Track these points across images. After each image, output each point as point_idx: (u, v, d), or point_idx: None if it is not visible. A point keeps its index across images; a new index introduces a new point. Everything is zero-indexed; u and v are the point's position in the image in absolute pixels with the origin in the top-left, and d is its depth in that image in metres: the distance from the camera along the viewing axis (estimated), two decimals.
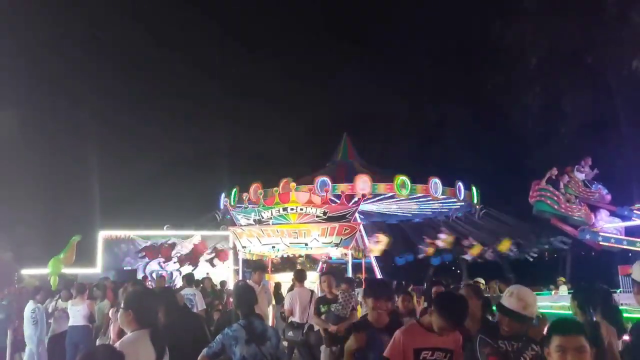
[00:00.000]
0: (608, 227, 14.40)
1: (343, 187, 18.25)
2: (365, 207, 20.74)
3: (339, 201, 15.02)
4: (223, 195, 21.00)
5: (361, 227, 16.68)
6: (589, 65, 21.37)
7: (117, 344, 3.24)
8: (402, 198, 19.67)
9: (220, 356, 4.30)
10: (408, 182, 18.89)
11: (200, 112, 41.72)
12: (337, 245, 13.79)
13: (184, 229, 21.34)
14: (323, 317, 7.10)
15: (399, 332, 3.33)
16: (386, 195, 19.81)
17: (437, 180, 19.52)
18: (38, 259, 17.67)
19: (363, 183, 18.38)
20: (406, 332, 3.31)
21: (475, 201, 21.68)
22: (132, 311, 3.38)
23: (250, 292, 4.73)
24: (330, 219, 13.64)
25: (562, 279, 18.49)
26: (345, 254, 15.06)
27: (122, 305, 3.48)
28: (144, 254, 19.91)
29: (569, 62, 21.94)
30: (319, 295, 7.93)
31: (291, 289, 9.92)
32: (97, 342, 7.55)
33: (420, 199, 20.73)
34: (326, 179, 18.28)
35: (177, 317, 4.86)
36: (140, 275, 18.43)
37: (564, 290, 16.62)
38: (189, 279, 11.50)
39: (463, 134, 33.44)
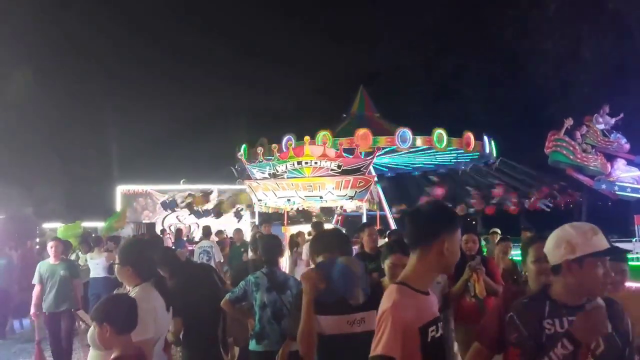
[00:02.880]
0: (625, 176, 14.22)
1: (382, 140, 18.30)
2: (379, 160, 20.66)
3: (352, 155, 14.92)
4: (239, 150, 21.03)
5: (375, 179, 16.64)
6: (610, 10, 20.55)
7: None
8: (438, 151, 19.75)
9: (243, 301, 4.43)
10: (445, 135, 18.94)
11: (215, 69, 41.35)
12: (351, 198, 13.84)
13: (201, 183, 21.49)
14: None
15: (393, 308, 2.02)
16: (419, 149, 19.92)
17: (471, 135, 19.62)
18: (58, 214, 18.01)
19: (403, 136, 18.35)
20: (401, 305, 2.03)
21: (494, 154, 21.57)
22: (131, 266, 3.26)
23: (276, 241, 4.79)
24: (345, 172, 13.62)
25: None
26: (360, 207, 15.08)
27: (117, 261, 3.33)
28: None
29: (588, 6, 21.11)
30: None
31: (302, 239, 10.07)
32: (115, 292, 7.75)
33: (452, 152, 20.80)
34: (367, 132, 18.18)
35: (183, 276, 4.86)
36: (158, 229, 18.72)
37: None
38: (206, 231, 11.72)
39: (479, 84, 32.72)
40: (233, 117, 34.72)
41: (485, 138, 20.70)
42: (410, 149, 19.53)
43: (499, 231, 12.84)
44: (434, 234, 2.13)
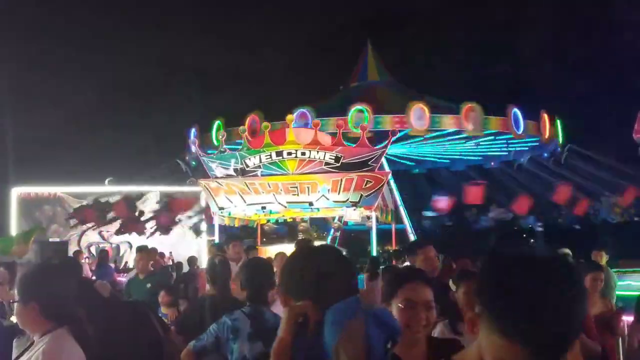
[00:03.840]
0: None
1: (388, 121, 18.17)
2: (394, 150, 20.66)
3: (356, 142, 14.84)
4: (193, 132, 20.84)
5: (390, 178, 16.59)
6: None
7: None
8: (471, 135, 19.59)
9: (212, 353, 4.44)
10: (481, 112, 18.73)
11: (158, 14, 41.03)
12: (355, 204, 13.79)
13: (134, 184, 21.33)
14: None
15: None
16: (448, 132, 19.77)
17: (518, 111, 19.39)
18: None
19: (419, 115, 18.21)
20: None
21: (560, 139, 21.54)
22: (37, 303, 3.23)
23: (265, 266, 4.96)
24: (346, 167, 13.55)
25: None
26: (368, 217, 15.03)
27: (16, 297, 3.30)
28: (74, 218, 19.79)
29: None
30: None
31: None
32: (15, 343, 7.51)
33: (493, 137, 20.68)
34: (364, 107, 18.14)
35: (104, 320, 4.77)
36: (72, 250, 18.54)
37: None
38: (145, 253, 11.60)
39: (538, 41, 32.83)
40: (182, 86, 34.58)
41: (545, 117, 20.62)
42: (433, 132, 19.48)
43: (569, 252, 12.80)
44: None
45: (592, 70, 30.06)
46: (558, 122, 21.59)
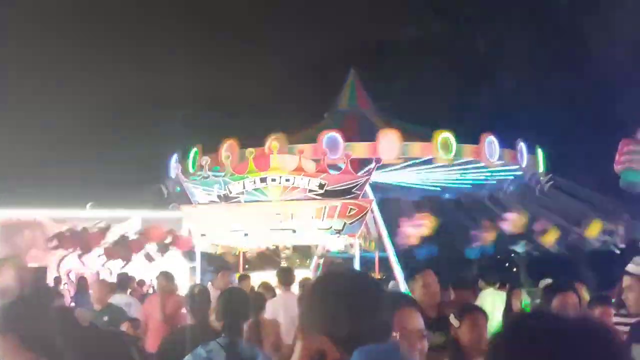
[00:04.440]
0: None
1: (360, 149, 18.07)
2: (379, 177, 20.62)
3: (342, 168, 14.83)
4: (175, 158, 20.74)
5: (374, 205, 16.53)
6: None
7: None
8: (440, 164, 19.55)
9: None
10: (453, 141, 18.69)
11: (145, 42, 41.02)
12: (338, 232, 13.68)
13: (116, 208, 21.18)
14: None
15: None
16: (419, 161, 19.70)
17: (493, 139, 19.32)
18: None
19: (389, 142, 18.15)
20: None
21: (540, 169, 21.62)
22: (16, 334, 3.19)
23: (240, 297, 4.97)
24: (330, 194, 13.47)
25: None
26: (352, 245, 14.95)
27: None
28: (55, 243, 19.58)
29: None
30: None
31: (271, 295, 9.96)
32: None
33: (466, 166, 20.65)
34: (336, 135, 18.06)
35: (82, 350, 4.68)
36: (52, 276, 18.34)
37: None
38: (122, 282, 11.51)
39: (520, 70, 33.16)
40: (165, 112, 34.48)
41: (522, 146, 20.63)
42: (407, 161, 19.46)
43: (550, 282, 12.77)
44: None
45: (575, 101, 30.34)
46: (539, 151, 21.67)
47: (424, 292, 5.62)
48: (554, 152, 22.92)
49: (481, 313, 4.15)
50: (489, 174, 22.00)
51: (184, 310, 8.73)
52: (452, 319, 4.07)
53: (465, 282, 10.58)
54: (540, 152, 21.61)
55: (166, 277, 10.57)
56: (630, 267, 4.21)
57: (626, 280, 4.01)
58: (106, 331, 7.59)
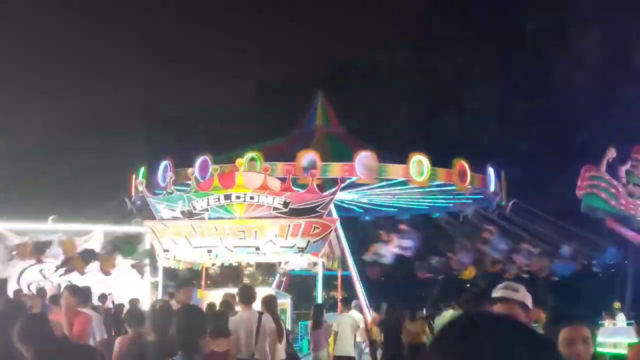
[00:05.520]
0: None
1: (337, 169, 18.17)
2: (345, 196, 20.76)
3: (304, 188, 14.89)
4: (141, 172, 20.71)
5: (338, 224, 16.61)
6: None
7: None
8: (414, 186, 19.72)
9: None
10: (427, 164, 18.88)
11: (110, 55, 40.80)
12: (302, 250, 13.75)
13: (79, 222, 20.95)
14: None
15: None
16: (394, 182, 19.90)
17: (465, 164, 19.61)
18: None
19: (365, 163, 18.27)
20: None
21: (504, 193, 21.88)
22: None
23: (195, 314, 4.94)
24: (294, 213, 13.55)
25: (618, 304, 18.81)
26: (315, 264, 15.00)
27: None
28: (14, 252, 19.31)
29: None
30: None
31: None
32: None
33: (439, 188, 20.86)
34: (314, 155, 18.11)
35: (53, 353, 4.67)
36: (12, 288, 18.06)
37: (621, 320, 16.91)
38: (83, 295, 11.31)
39: (483, 97, 33.62)
40: (130, 126, 34.23)
41: (491, 171, 20.96)
42: (382, 181, 19.62)
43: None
44: None
45: (537, 128, 30.82)
46: (503, 176, 21.92)
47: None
48: (516, 177, 23.22)
49: None
50: (453, 197, 22.20)
51: (91, 329, 8.38)
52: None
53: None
54: (504, 178, 21.87)
55: (73, 292, 8.93)
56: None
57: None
58: (78, 345, 7.53)
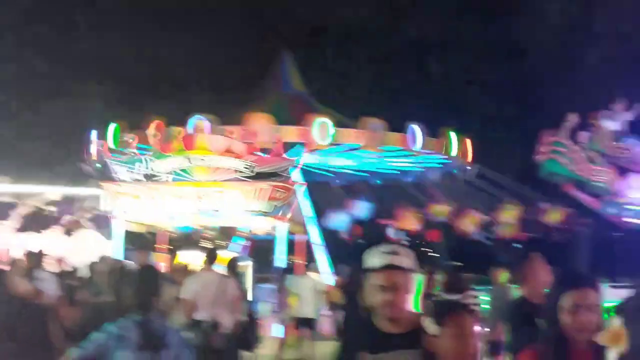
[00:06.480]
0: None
1: (291, 132, 17.87)
2: (309, 160, 20.67)
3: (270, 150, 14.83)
4: (95, 133, 20.27)
5: (304, 189, 16.58)
6: None
7: None
8: (369, 151, 19.67)
9: None
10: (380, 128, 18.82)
11: (70, 9, 39.67)
12: (266, 214, 13.75)
13: (29, 183, 20.59)
14: None
15: None
16: (348, 147, 19.82)
17: (416, 128, 19.55)
18: None
19: (322, 128, 18.05)
20: None
21: (468, 158, 22.02)
22: None
23: (151, 273, 4.90)
24: (258, 177, 13.49)
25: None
26: (277, 228, 15.00)
27: None
28: None
29: None
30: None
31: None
32: None
33: (393, 153, 20.86)
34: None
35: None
36: None
37: None
38: (35, 256, 11.20)
39: (446, 58, 33.68)
40: (86, 86, 33.52)
41: (449, 135, 20.96)
42: (334, 145, 19.50)
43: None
44: None
45: (499, 92, 31.03)
46: (467, 141, 22.01)
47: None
48: (479, 141, 23.35)
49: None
50: (415, 161, 22.25)
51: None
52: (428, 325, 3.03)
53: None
54: (468, 141, 21.95)
55: None
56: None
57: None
58: (34, 304, 7.49)
